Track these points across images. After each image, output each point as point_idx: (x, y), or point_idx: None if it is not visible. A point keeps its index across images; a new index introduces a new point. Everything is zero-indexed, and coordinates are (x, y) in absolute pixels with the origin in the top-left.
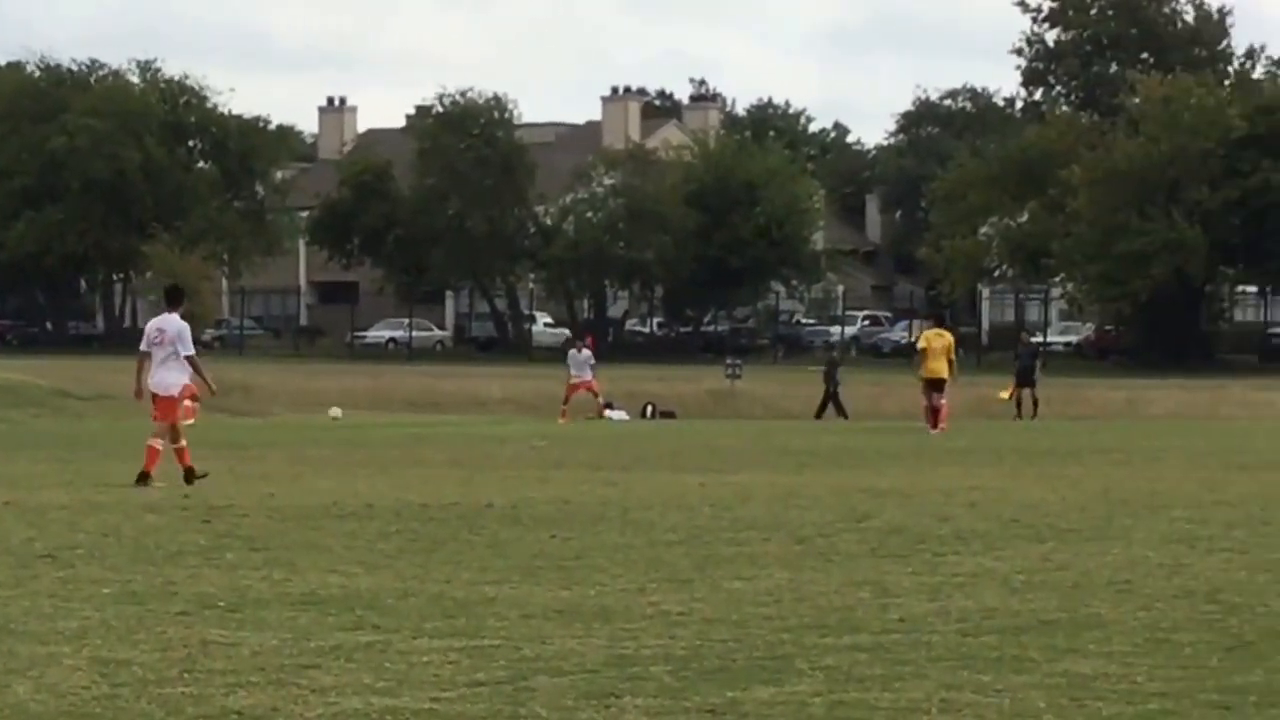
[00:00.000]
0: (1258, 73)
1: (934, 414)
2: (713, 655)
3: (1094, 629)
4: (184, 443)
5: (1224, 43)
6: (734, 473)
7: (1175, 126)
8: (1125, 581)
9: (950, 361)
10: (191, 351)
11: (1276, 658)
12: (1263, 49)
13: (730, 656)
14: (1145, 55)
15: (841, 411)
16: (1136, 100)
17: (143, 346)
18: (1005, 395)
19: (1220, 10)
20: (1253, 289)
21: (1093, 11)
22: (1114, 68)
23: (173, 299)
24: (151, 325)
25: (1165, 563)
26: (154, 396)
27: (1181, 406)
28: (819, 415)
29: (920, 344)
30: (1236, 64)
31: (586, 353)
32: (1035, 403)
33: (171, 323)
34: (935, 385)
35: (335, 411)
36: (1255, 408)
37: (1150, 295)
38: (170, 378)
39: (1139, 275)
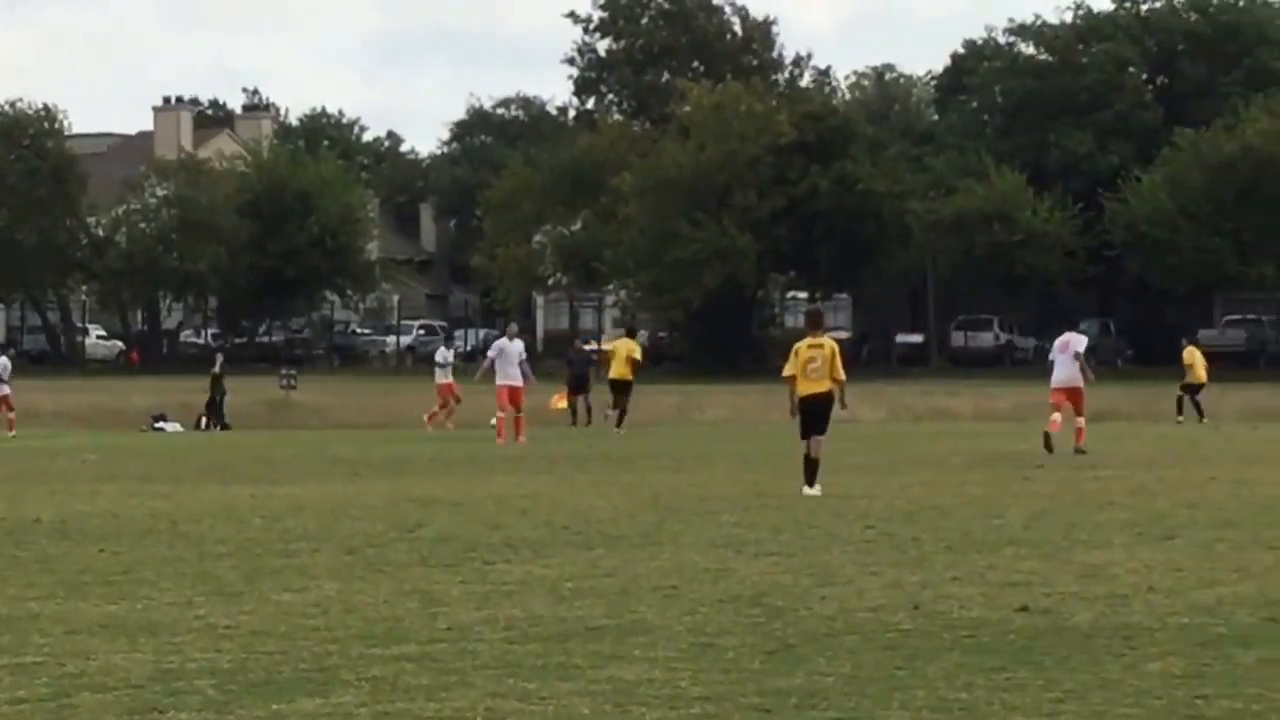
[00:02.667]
0: (805, 81)
1: (620, 415)
2: (259, 668)
3: (640, 634)
4: None
5: (773, 51)
6: (287, 484)
7: (725, 133)
8: (672, 587)
9: (633, 365)
10: None
11: (817, 660)
12: (809, 57)
13: (276, 669)
14: (696, 64)
15: (216, 420)
16: (687, 108)
17: None
18: (560, 404)
19: (765, 20)
20: (803, 295)
21: (644, 21)
22: (666, 77)
23: None
24: None
25: (712, 567)
26: None
27: (733, 412)
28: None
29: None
30: (785, 73)
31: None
32: (589, 410)
33: None
34: (616, 387)
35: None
36: None
37: (702, 302)
38: None
39: (690, 282)
